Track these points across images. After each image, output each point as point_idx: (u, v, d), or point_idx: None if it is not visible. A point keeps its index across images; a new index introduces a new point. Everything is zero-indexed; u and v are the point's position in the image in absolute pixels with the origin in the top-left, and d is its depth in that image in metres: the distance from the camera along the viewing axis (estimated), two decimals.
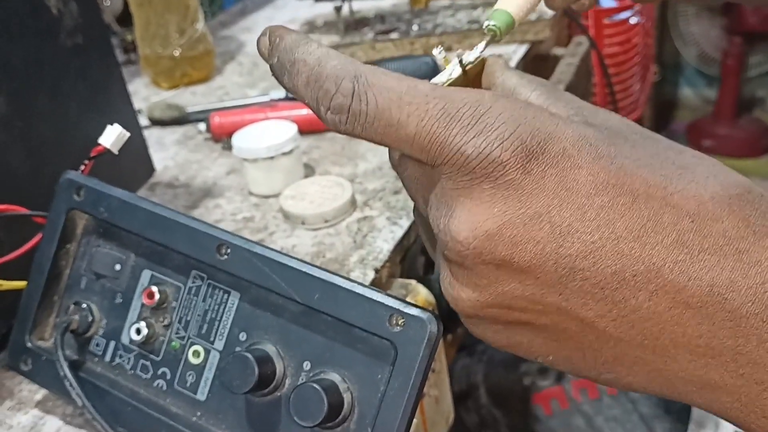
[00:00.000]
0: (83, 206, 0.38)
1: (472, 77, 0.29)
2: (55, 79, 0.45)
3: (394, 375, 0.31)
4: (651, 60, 1.44)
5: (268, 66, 0.27)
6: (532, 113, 0.23)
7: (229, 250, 0.35)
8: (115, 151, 0.40)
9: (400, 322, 0.31)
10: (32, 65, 0.44)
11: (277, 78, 0.26)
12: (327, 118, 0.24)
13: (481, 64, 0.29)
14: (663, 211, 0.22)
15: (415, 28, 0.78)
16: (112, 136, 0.39)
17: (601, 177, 0.22)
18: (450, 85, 0.29)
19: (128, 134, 0.40)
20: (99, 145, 0.39)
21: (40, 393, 0.42)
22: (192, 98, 0.76)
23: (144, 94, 0.78)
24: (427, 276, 0.58)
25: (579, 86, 0.79)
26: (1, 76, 0.42)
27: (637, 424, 0.60)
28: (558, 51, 0.84)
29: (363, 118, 0.23)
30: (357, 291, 0.32)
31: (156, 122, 0.69)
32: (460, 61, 0.29)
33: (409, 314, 0.31)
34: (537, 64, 0.80)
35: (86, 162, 0.40)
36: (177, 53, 0.76)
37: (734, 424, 0.23)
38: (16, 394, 0.43)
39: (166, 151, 0.65)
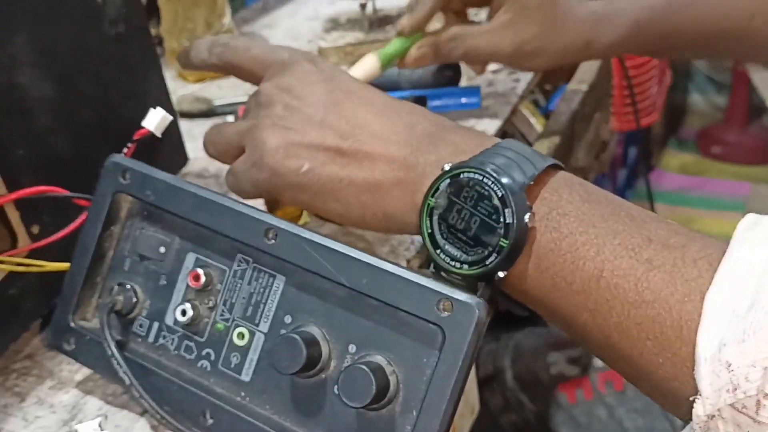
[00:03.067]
0: (129, 189, 0.39)
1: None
2: (98, 66, 0.46)
3: (441, 359, 0.32)
4: (667, 64, 1.45)
5: None
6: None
7: (276, 235, 0.35)
8: (159, 134, 0.40)
9: (448, 307, 0.32)
10: (77, 52, 0.45)
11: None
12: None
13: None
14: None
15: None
16: (155, 120, 0.40)
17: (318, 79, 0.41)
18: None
19: (171, 117, 0.41)
20: (142, 128, 0.40)
21: (81, 373, 0.43)
22: (218, 91, 0.76)
23: (170, 87, 0.78)
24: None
25: (600, 87, 0.80)
26: (49, 62, 0.42)
27: (657, 416, 0.60)
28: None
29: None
30: (406, 276, 0.33)
31: (184, 115, 0.70)
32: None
33: (457, 299, 0.32)
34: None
35: (129, 145, 0.41)
36: None
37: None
38: (56, 373, 0.43)
39: (195, 143, 0.65)
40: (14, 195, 0.41)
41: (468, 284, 0.35)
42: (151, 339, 0.39)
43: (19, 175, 0.42)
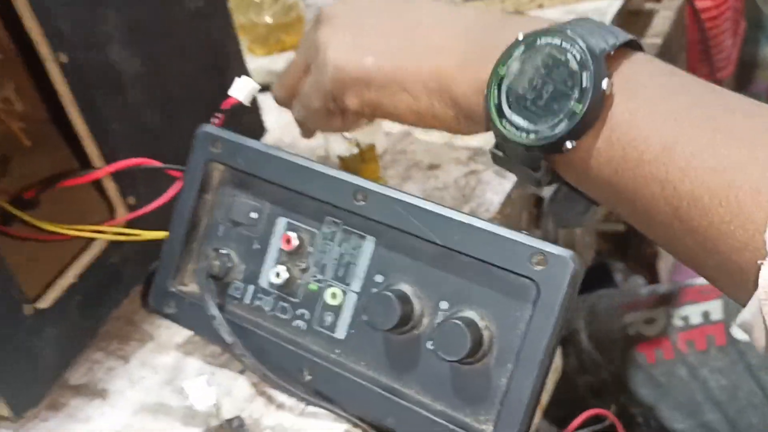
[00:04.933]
0: (221, 158, 0.40)
1: (366, 157, 0.52)
2: (181, 40, 0.48)
3: (536, 313, 0.32)
4: (741, 15, 1.38)
5: None
6: None
7: (366, 196, 0.36)
8: (247, 103, 0.41)
9: (542, 261, 0.32)
10: (162, 28, 0.46)
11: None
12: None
13: (371, 148, 0.52)
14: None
15: None
16: (243, 89, 0.41)
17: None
18: (349, 159, 0.52)
19: (258, 86, 0.41)
20: (230, 97, 0.41)
21: (179, 336, 0.45)
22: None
23: None
24: (531, 230, 0.59)
25: (674, 40, 0.77)
26: (137, 39, 0.44)
27: (742, 374, 0.59)
28: (650, 6, 0.82)
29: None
30: (498, 232, 0.33)
31: None
32: (357, 145, 0.52)
33: (551, 253, 0.32)
34: (630, 19, 0.78)
35: (218, 115, 0.42)
36: (269, 20, 0.77)
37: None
38: (156, 337, 0.46)
39: (268, 115, 0.67)
40: (112, 167, 0.43)
41: (530, 160, 0.34)
42: (247, 301, 0.40)
43: (114, 149, 0.44)
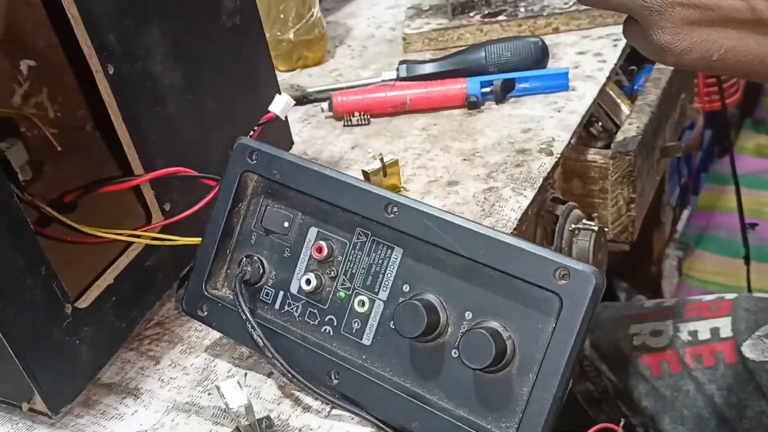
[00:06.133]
0: (256, 169, 0.42)
1: (388, 171, 0.55)
2: (218, 55, 0.50)
3: (558, 325, 0.34)
4: None
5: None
6: None
7: (395, 209, 0.38)
8: (283, 117, 0.43)
9: (565, 276, 0.34)
10: (200, 43, 0.48)
11: None
12: None
13: (394, 163, 0.55)
14: None
15: (522, 10, 0.80)
16: (280, 104, 0.43)
17: None
18: (372, 173, 0.54)
19: (294, 102, 0.44)
20: (269, 112, 0.43)
21: (208, 338, 0.47)
22: (308, 80, 0.80)
23: None
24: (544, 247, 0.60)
25: None
26: (177, 53, 0.46)
27: (752, 394, 0.60)
28: None
29: None
30: (523, 246, 0.35)
31: None
32: (381, 160, 0.54)
33: (574, 268, 0.33)
34: None
35: (255, 128, 0.44)
36: (293, 37, 0.80)
37: None
38: (185, 339, 0.47)
39: (292, 128, 0.69)
40: (151, 175, 0.45)
41: None
42: (277, 306, 0.42)
43: (153, 158, 0.46)
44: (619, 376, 0.68)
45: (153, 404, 0.43)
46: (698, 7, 0.36)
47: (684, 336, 0.66)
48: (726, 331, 0.63)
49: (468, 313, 0.37)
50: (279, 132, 0.57)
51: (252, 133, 0.43)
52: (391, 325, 0.38)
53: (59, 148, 0.65)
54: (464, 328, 0.37)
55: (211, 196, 0.45)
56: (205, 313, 0.43)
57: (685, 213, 1.75)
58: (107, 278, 0.44)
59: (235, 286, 0.41)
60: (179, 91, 0.47)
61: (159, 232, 0.46)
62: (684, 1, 0.35)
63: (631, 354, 0.68)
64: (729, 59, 0.37)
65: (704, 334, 0.65)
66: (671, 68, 0.76)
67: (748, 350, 0.61)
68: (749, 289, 1.16)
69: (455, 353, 0.37)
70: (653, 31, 0.37)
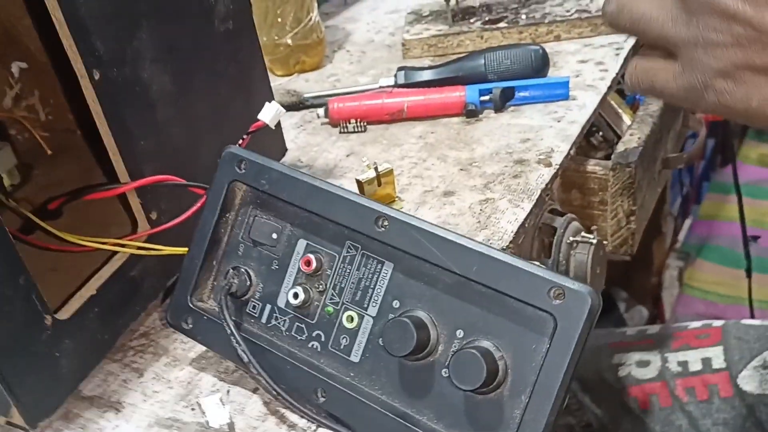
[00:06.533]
0: (245, 178, 0.41)
1: (383, 180, 0.54)
2: (210, 61, 0.49)
3: (552, 346, 0.32)
4: None
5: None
6: None
7: (386, 223, 0.37)
8: (272, 126, 0.42)
9: (560, 296, 0.32)
10: (192, 48, 0.47)
11: None
12: None
13: (389, 173, 0.54)
14: None
15: (523, 17, 0.79)
16: (270, 113, 0.42)
17: None
18: (366, 182, 0.53)
19: (284, 111, 0.43)
20: (258, 120, 0.42)
21: (194, 351, 0.46)
22: (305, 85, 0.79)
23: None
24: (541, 260, 0.59)
25: None
26: (168, 57, 0.45)
27: (750, 430, 0.57)
28: None
29: None
30: (516, 264, 0.34)
31: None
32: (375, 168, 0.53)
33: (569, 288, 0.32)
34: None
35: (244, 137, 0.43)
36: (290, 41, 0.79)
37: None
38: (171, 351, 0.46)
39: (287, 134, 0.68)
40: (137, 183, 0.44)
41: None
42: (263, 320, 0.41)
43: (140, 165, 0.44)
44: (603, 409, 0.65)
45: (134, 419, 0.42)
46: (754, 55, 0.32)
47: (673, 367, 0.62)
48: (719, 362, 0.60)
49: (459, 331, 0.36)
50: (272, 139, 0.56)
51: (241, 141, 0.42)
52: (380, 342, 0.37)
53: (50, 152, 0.64)
54: (455, 347, 0.35)
55: (198, 205, 0.43)
56: (190, 326, 0.42)
57: (687, 223, 1.73)
58: (90, 288, 0.42)
59: (221, 298, 0.40)
60: (169, 97, 0.46)
61: (145, 241, 0.45)
62: (742, 41, 0.32)
63: (616, 385, 0.64)
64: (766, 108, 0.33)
65: (695, 365, 0.61)
66: None
67: (745, 382, 0.58)
68: (750, 301, 1.14)
69: (445, 373, 0.35)
70: (694, 69, 0.33)
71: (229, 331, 0.39)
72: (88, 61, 0.41)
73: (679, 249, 1.63)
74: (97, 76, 0.41)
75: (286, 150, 0.59)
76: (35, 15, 0.52)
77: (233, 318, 0.40)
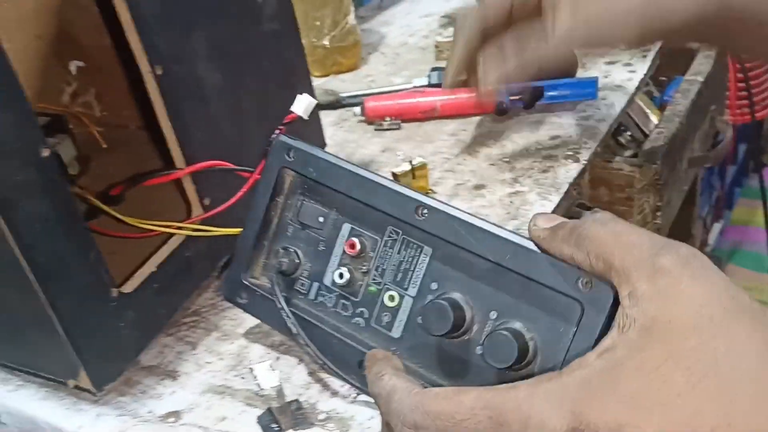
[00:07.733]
0: (293, 165, 0.44)
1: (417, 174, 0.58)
2: (257, 59, 0.52)
3: (579, 331, 0.35)
4: None
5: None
6: None
7: (426, 211, 0.40)
8: (306, 117, 0.46)
9: (588, 285, 0.35)
10: (241, 47, 0.51)
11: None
12: None
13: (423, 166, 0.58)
14: None
15: None
16: (302, 105, 0.45)
17: None
18: (401, 175, 0.58)
19: (315, 101, 0.46)
20: (291, 113, 0.45)
21: (242, 326, 0.49)
22: (342, 85, 0.82)
23: None
24: None
25: (716, 79, 0.80)
26: (219, 55, 0.49)
27: None
28: (693, 44, 0.85)
29: None
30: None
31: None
32: (410, 162, 0.58)
33: (597, 279, 0.35)
34: (672, 58, 0.81)
35: (280, 128, 0.46)
36: (328, 43, 0.82)
37: None
38: (220, 327, 0.50)
39: (325, 131, 0.71)
40: (191, 168, 0.47)
41: None
42: (311, 297, 0.44)
43: (194, 154, 0.48)
44: None
45: (189, 386, 0.45)
46: None
47: None
48: None
49: (493, 312, 0.38)
50: (312, 134, 0.59)
51: (277, 132, 0.45)
52: (419, 321, 0.40)
53: (104, 146, 0.68)
54: (489, 327, 0.38)
55: (246, 186, 0.47)
56: (245, 301, 0.46)
57: (716, 226, 1.73)
58: (150, 266, 0.46)
59: (272, 276, 0.43)
60: (221, 92, 0.49)
61: (199, 224, 0.49)
62: None
63: None
64: None
65: None
66: (701, 80, 0.76)
67: None
68: None
69: (480, 350, 0.38)
70: None
71: (279, 306, 0.42)
72: (152, 58, 0.44)
73: (708, 253, 1.63)
74: (159, 72, 0.45)
75: (325, 146, 0.62)
76: (104, 16, 0.56)
77: (283, 294, 0.44)
